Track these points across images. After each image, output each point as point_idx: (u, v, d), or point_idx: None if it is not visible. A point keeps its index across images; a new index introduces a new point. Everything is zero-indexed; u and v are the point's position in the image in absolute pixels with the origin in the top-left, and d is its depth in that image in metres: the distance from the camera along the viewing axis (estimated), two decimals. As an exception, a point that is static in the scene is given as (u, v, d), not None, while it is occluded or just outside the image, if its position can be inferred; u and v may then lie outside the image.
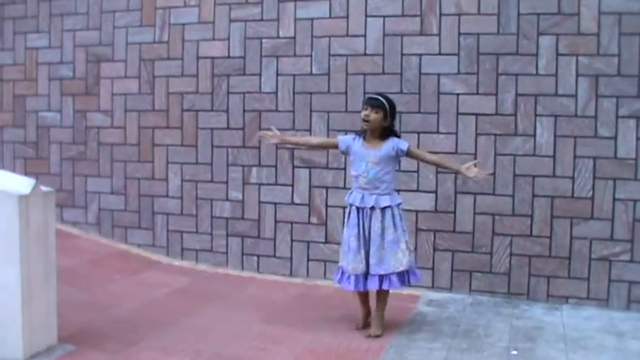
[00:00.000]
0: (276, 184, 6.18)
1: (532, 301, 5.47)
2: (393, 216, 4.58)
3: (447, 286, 5.70)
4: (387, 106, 4.60)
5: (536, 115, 5.43)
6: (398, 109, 5.65)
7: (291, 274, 6.13)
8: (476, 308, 5.29)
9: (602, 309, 5.28)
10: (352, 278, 4.61)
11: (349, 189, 4.82)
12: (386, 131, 4.66)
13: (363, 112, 4.60)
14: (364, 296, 4.80)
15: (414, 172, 5.70)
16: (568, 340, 4.54)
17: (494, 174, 5.50)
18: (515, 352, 4.29)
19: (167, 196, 6.57)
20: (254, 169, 6.24)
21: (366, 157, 4.60)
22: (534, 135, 5.44)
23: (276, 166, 6.16)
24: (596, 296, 5.35)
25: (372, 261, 4.55)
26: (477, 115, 5.57)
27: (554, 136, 5.39)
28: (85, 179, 6.90)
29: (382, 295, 4.69)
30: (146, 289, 5.63)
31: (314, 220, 6.07)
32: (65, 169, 6.98)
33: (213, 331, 4.64)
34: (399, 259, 4.56)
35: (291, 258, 6.16)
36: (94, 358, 4.08)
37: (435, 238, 5.71)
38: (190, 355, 4.17)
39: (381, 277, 4.56)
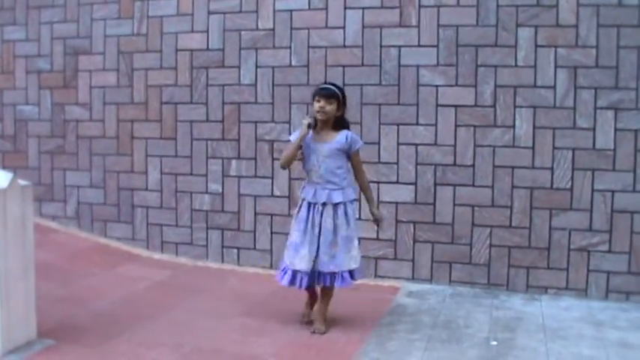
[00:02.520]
0: (255, 176, 6.16)
1: (511, 291, 5.50)
2: (345, 212, 4.44)
3: (427, 278, 5.72)
4: (339, 95, 4.45)
5: (515, 106, 5.44)
6: (377, 100, 5.72)
7: (271, 267, 6.11)
8: (456, 299, 5.31)
9: (581, 299, 5.32)
10: (289, 273, 4.48)
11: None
12: (338, 121, 4.52)
13: (317, 104, 4.41)
14: (314, 293, 4.68)
15: (394, 163, 5.71)
16: (547, 330, 4.58)
17: (473, 165, 5.53)
18: (495, 343, 4.31)
19: (146, 189, 6.54)
20: (233, 162, 6.22)
21: (317, 151, 4.45)
22: (513, 126, 5.46)
23: (255, 159, 6.15)
24: (574, 286, 5.39)
25: (323, 258, 4.40)
26: (456, 106, 5.58)
27: (534, 127, 5.41)
28: (63, 173, 6.85)
29: (328, 291, 4.54)
30: (126, 282, 5.60)
31: (294, 212, 6.05)
32: (43, 163, 6.92)
33: (194, 325, 4.62)
34: (353, 257, 4.46)
35: (271, 250, 6.15)
36: (73, 352, 4.05)
37: (414, 229, 5.73)
38: (170, 348, 4.16)
39: (333, 275, 4.42)
